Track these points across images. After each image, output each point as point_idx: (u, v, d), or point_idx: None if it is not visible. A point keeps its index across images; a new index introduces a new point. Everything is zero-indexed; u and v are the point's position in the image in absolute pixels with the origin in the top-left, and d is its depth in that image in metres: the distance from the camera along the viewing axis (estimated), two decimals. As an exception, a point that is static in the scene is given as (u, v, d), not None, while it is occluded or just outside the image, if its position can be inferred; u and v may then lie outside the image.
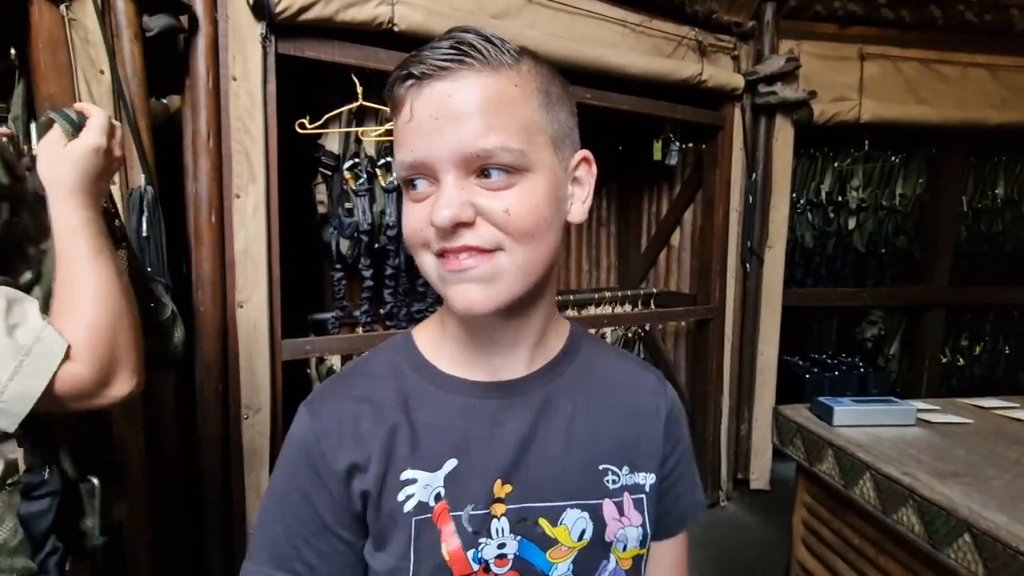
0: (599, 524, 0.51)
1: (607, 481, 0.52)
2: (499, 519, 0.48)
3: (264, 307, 1.47)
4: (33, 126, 1.24)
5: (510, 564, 0.48)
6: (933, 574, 0.88)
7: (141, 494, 1.32)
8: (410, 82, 0.44)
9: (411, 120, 0.43)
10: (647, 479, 0.54)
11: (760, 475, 2.67)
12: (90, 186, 0.73)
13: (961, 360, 3.15)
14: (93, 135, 0.74)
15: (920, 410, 1.15)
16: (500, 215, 0.43)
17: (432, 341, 0.55)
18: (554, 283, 0.53)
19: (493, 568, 0.47)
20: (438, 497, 0.48)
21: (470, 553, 0.47)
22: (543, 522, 0.49)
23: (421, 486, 0.48)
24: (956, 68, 2.50)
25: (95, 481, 0.80)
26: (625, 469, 0.53)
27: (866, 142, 2.66)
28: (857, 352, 3.30)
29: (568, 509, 0.50)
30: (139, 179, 1.28)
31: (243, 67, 1.39)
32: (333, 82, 1.75)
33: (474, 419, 0.50)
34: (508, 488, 0.49)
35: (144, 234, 1.27)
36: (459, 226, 0.43)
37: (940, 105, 2.48)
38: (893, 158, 2.77)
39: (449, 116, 0.42)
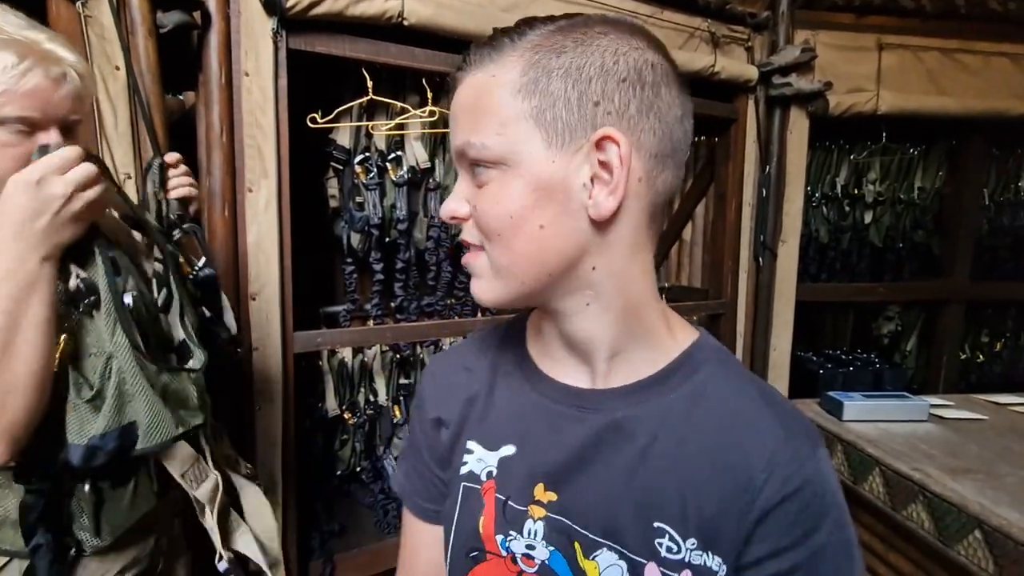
0: None
1: (659, 544, 0.43)
2: (535, 521, 0.47)
3: (276, 299, 1.49)
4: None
5: (537, 568, 0.47)
6: (943, 571, 0.87)
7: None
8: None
9: None
10: (721, 567, 0.42)
11: (772, 471, 2.64)
12: (22, 228, 0.66)
13: (981, 356, 3.09)
14: (39, 169, 0.68)
15: (933, 406, 1.13)
16: (475, 212, 0.45)
17: (536, 327, 0.54)
18: (619, 293, 0.46)
19: (520, 563, 0.47)
20: (489, 475, 0.49)
21: (499, 538, 0.48)
22: (577, 547, 0.46)
23: (476, 459, 0.50)
24: (978, 57, 2.44)
25: (86, 488, 0.80)
26: (691, 542, 0.42)
27: (883, 134, 2.61)
28: (873, 348, 3.25)
29: (605, 550, 0.44)
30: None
31: (255, 62, 1.41)
32: (343, 77, 1.76)
33: (539, 416, 0.49)
34: (551, 496, 0.47)
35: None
36: (462, 220, 0.46)
37: (961, 95, 2.42)
38: (912, 150, 2.71)
39: (453, 117, 0.46)
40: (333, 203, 1.94)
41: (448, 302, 2.05)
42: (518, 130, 0.42)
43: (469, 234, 0.46)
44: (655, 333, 0.47)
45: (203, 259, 1.02)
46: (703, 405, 0.44)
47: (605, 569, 0.44)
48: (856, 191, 2.76)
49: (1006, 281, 2.85)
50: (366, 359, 2.06)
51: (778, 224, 2.51)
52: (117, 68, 1.23)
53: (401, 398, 2.11)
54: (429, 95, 1.74)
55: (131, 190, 1.28)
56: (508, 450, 0.49)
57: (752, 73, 2.30)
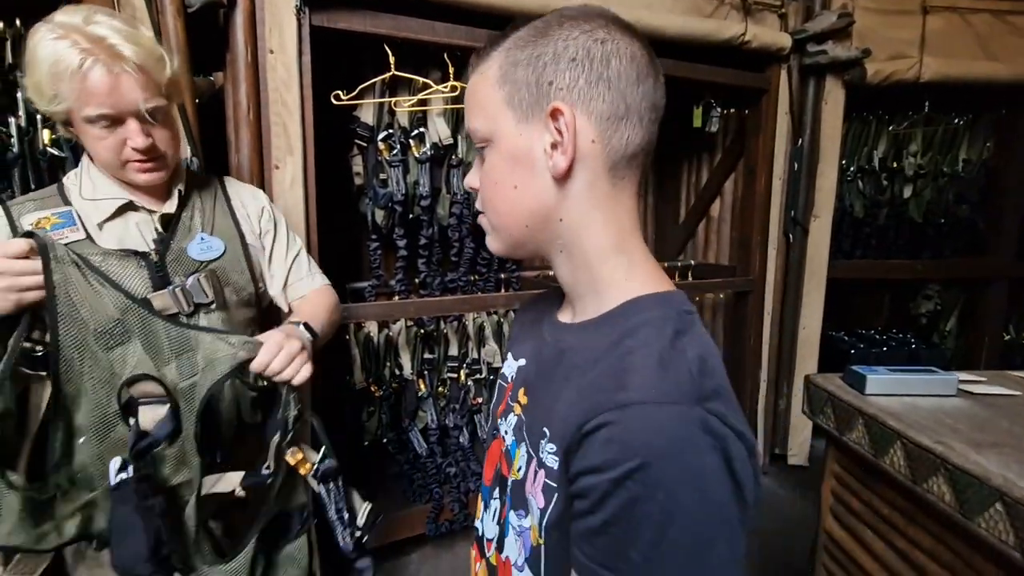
0: (526, 474, 0.54)
1: (541, 444, 0.52)
2: (514, 415, 0.61)
3: (303, 274, 1.53)
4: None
5: (504, 447, 0.61)
6: (963, 544, 0.86)
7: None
8: None
9: None
10: (555, 463, 0.49)
11: (799, 451, 2.61)
12: None
13: (1025, 338, 2.96)
14: None
15: (962, 381, 1.10)
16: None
17: None
18: (578, 242, 0.53)
19: (502, 435, 0.63)
20: (511, 378, 0.65)
21: (500, 422, 0.64)
22: (519, 438, 0.58)
23: (507, 365, 0.67)
24: (1033, 19, 2.29)
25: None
26: (551, 446, 0.50)
27: (926, 103, 2.49)
28: (910, 329, 3.14)
29: (524, 445, 0.56)
30: (186, 151, 1.34)
31: (279, 40, 1.43)
32: (365, 54, 1.77)
33: (539, 341, 0.62)
34: (525, 399, 0.59)
35: (191, 203, 1.35)
36: (476, 190, 0.58)
37: (1013, 61, 2.28)
38: (957, 120, 2.57)
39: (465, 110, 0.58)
40: (358, 180, 1.97)
41: (471, 278, 2.07)
42: (496, 113, 0.52)
43: (478, 201, 0.58)
44: (606, 282, 0.53)
45: (322, 450, 0.95)
46: (617, 348, 0.49)
47: (522, 457, 0.56)
48: (895, 164, 2.64)
49: (1056, 258, 2.70)
50: (391, 334, 2.11)
51: (810, 199, 2.43)
52: (148, 48, 1.26)
53: (425, 372, 2.16)
54: (451, 70, 1.74)
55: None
56: (521, 362, 0.64)
57: (785, 41, 2.21)
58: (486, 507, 0.65)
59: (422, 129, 1.87)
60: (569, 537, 0.47)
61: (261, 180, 1.47)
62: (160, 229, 0.97)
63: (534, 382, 0.59)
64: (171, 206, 0.99)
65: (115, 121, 0.86)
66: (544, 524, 0.51)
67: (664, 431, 0.41)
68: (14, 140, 1.23)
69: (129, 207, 0.96)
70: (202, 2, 1.33)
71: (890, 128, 2.59)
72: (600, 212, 0.52)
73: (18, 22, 1.23)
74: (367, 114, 1.82)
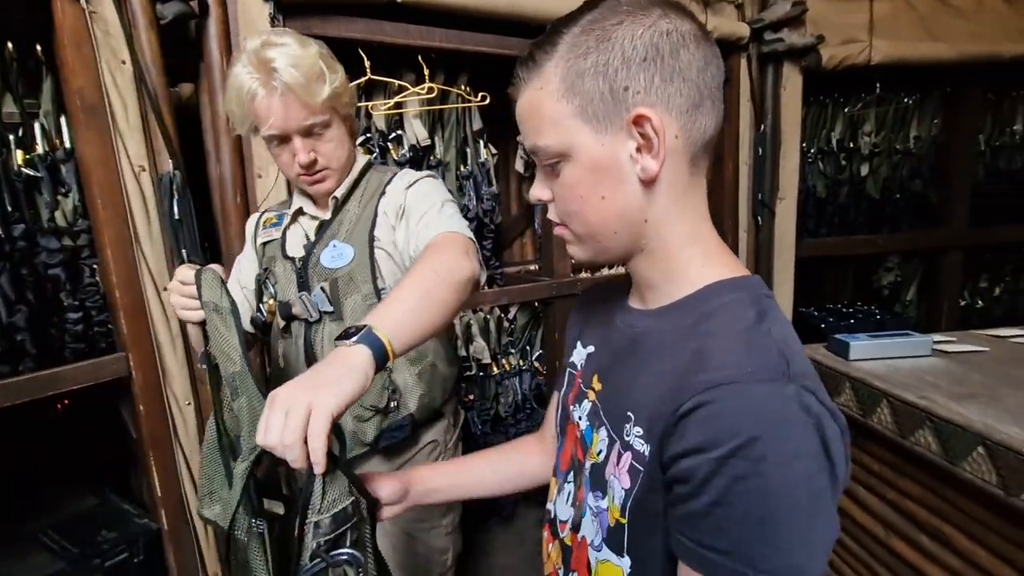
0: (607, 457, 0.55)
1: (626, 428, 0.53)
2: (588, 401, 0.62)
3: (293, 282, 1.53)
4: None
5: (579, 434, 0.63)
6: (950, 488, 0.93)
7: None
8: None
9: None
10: (644, 447, 0.49)
11: (780, 424, 2.72)
12: None
13: (980, 302, 3.13)
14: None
15: (936, 341, 1.18)
16: (555, 196, 0.57)
17: None
18: (659, 237, 0.54)
19: (576, 421, 0.64)
20: (581, 364, 0.67)
21: (572, 408, 0.66)
22: (596, 423, 0.60)
23: (576, 352, 0.69)
24: (971, 1, 2.44)
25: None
26: (638, 429, 0.51)
27: (877, 85, 2.62)
28: (874, 300, 3.29)
29: (604, 428, 0.57)
30: (167, 165, 1.32)
31: (254, 48, 1.42)
32: (341, 58, 1.77)
33: (610, 328, 0.63)
34: (599, 385, 0.61)
35: (176, 217, 1.33)
36: (546, 202, 0.58)
37: (955, 41, 2.43)
38: (906, 100, 2.72)
39: (520, 124, 0.58)
40: (338, 186, 1.96)
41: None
42: (569, 127, 0.51)
43: (552, 213, 0.58)
44: (682, 270, 0.55)
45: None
46: (696, 330, 0.50)
47: (601, 441, 0.57)
48: (852, 144, 2.77)
49: (1004, 226, 2.88)
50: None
51: (775, 182, 2.53)
52: (123, 62, 1.24)
53: (417, 374, 2.16)
54: (426, 72, 1.75)
55: (146, 182, 1.31)
56: (590, 349, 0.65)
57: (744, 31, 2.30)
58: (560, 490, 0.65)
59: (399, 132, 1.88)
60: (651, 517, 0.48)
61: (244, 189, 1.46)
62: (311, 236, 1.09)
63: (608, 368, 0.59)
64: (327, 213, 1.09)
65: (283, 139, 0.97)
66: (629, 504, 0.51)
67: (764, 408, 0.41)
68: (-14, 162, 1.19)
69: (300, 213, 1.12)
70: (174, 13, 1.31)
71: (845, 110, 2.72)
72: (680, 205, 0.53)
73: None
74: (344, 119, 1.82)
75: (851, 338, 1.14)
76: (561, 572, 0.63)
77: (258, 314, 1.15)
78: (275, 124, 0.93)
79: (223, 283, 0.82)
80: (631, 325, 0.59)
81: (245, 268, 1.21)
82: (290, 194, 1.17)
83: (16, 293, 1.24)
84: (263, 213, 1.20)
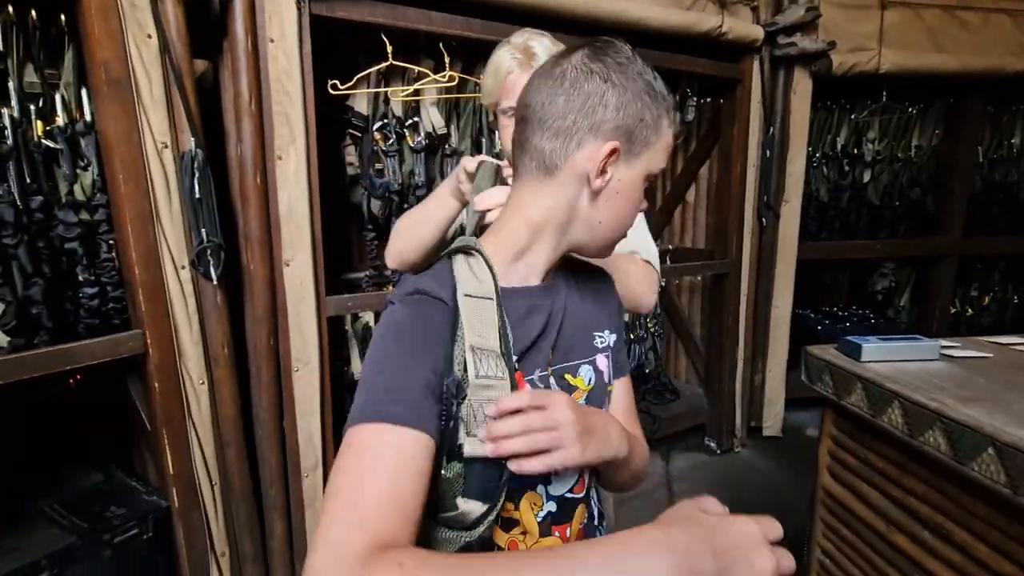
0: (598, 372, 0.69)
1: (597, 343, 0.69)
2: (547, 374, 0.65)
3: (309, 266, 1.53)
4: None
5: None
6: (955, 487, 0.96)
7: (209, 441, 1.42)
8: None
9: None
10: (611, 337, 0.71)
11: (773, 423, 2.78)
12: None
13: (970, 310, 3.22)
14: None
15: (943, 346, 1.21)
16: None
17: None
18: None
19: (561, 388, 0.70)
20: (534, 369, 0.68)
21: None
22: (567, 376, 0.66)
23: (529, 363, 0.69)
24: (978, 15, 2.48)
25: None
26: (605, 332, 0.71)
27: (884, 93, 2.66)
28: (867, 305, 3.37)
29: (582, 366, 0.67)
30: (188, 142, 1.32)
31: (279, 28, 1.41)
32: (358, 43, 1.76)
33: (541, 313, 0.66)
34: (552, 355, 0.65)
35: (197, 196, 1.33)
36: None
37: (960, 53, 2.47)
38: (910, 109, 2.76)
39: None
40: (351, 170, 1.96)
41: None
42: None
43: None
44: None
45: None
46: (576, 269, 0.71)
47: (585, 375, 0.67)
48: (855, 150, 2.82)
49: (998, 236, 2.95)
50: (388, 324, 2.11)
51: (781, 185, 2.57)
52: (149, 36, 1.23)
53: (422, 361, 2.17)
54: (447, 59, 1.75)
55: (168, 159, 1.30)
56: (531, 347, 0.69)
57: (758, 33, 2.32)
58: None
59: (416, 119, 1.88)
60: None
61: (264, 171, 1.45)
62: None
63: (559, 332, 0.66)
64: None
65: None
66: (610, 370, 0.71)
67: None
68: (8, 132, 1.18)
69: None
70: (200, -11, 1.30)
71: (851, 116, 2.76)
72: None
73: (11, 8, 1.17)
74: (361, 104, 1.82)
75: (863, 340, 1.18)
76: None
77: None
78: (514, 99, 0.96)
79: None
80: (553, 292, 0.66)
81: None
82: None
83: (33, 266, 1.23)
84: None
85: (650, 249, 1.06)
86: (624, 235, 0.66)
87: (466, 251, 0.61)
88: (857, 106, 2.75)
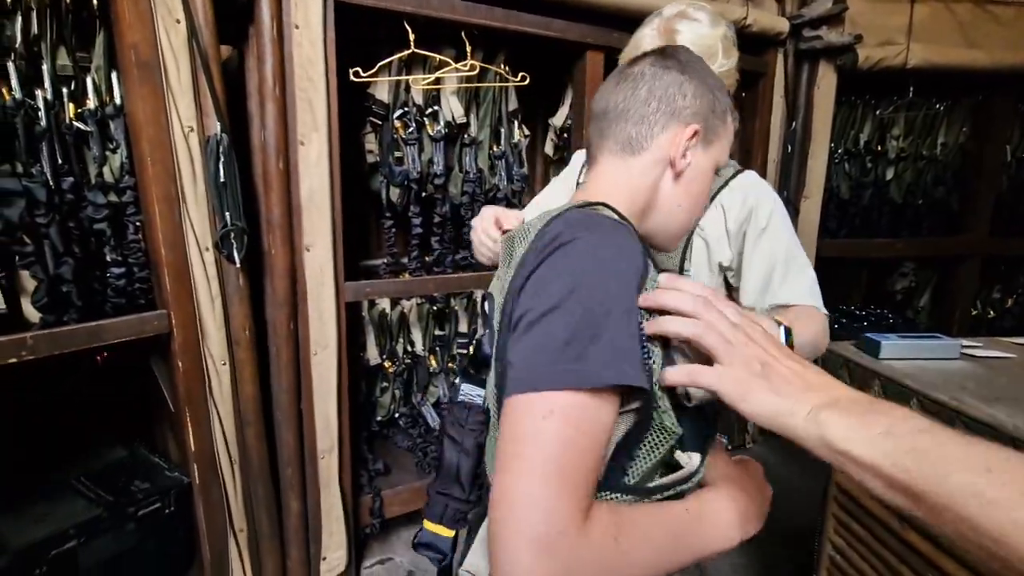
0: None
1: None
2: None
3: (329, 251, 1.55)
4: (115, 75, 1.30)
5: None
6: (973, 487, 0.96)
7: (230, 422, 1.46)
8: None
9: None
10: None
11: (786, 420, 2.76)
12: None
13: (992, 312, 3.15)
14: None
15: (964, 346, 1.20)
16: None
17: None
18: None
19: None
20: None
21: None
22: None
23: None
24: (1011, 9, 2.41)
25: None
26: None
27: (911, 89, 2.60)
28: (886, 304, 3.32)
29: None
30: (215, 126, 1.34)
31: (304, 15, 1.42)
32: (382, 31, 1.76)
33: None
34: None
35: (221, 179, 1.35)
36: None
37: (992, 48, 2.41)
38: (938, 105, 2.70)
39: None
40: (371, 158, 1.97)
41: (482, 256, 2.11)
42: None
43: None
44: None
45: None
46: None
47: None
48: (879, 147, 2.77)
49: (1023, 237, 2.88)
50: (404, 310, 2.14)
51: (802, 180, 2.54)
52: (178, 21, 1.25)
53: (436, 349, 2.20)
54: (468, 48, 1.75)
55: (194, 143, 1.32)
56: None
57: (783, 26, 2.28)
58: None
59: (436, 107, 1.88)
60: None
61: (286, 157, 1.47)
62: None
63: None
64: None
65: None
66: None
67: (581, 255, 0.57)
68: (41, 114, 1.21)
69: None
70: (228, -26, 1.32)
71: (876, 112, 2.71)
72: None
73: (46, -9, 1.19)
74: (382, 91, 1.82)
75: (882, 337, 1.17)
76: None
77: None
78: None
79: None
80: None
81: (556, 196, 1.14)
82: None
83: (64, 245, 1.27)
84: None
85: (814, 290, 1.01)
86: (692, 226, 0.68)
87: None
88: (882, 102, 2.70)
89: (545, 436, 0.42)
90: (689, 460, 0.53)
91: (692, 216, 0.66)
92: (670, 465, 0.54)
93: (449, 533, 0.67)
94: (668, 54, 0.64)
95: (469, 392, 0.66)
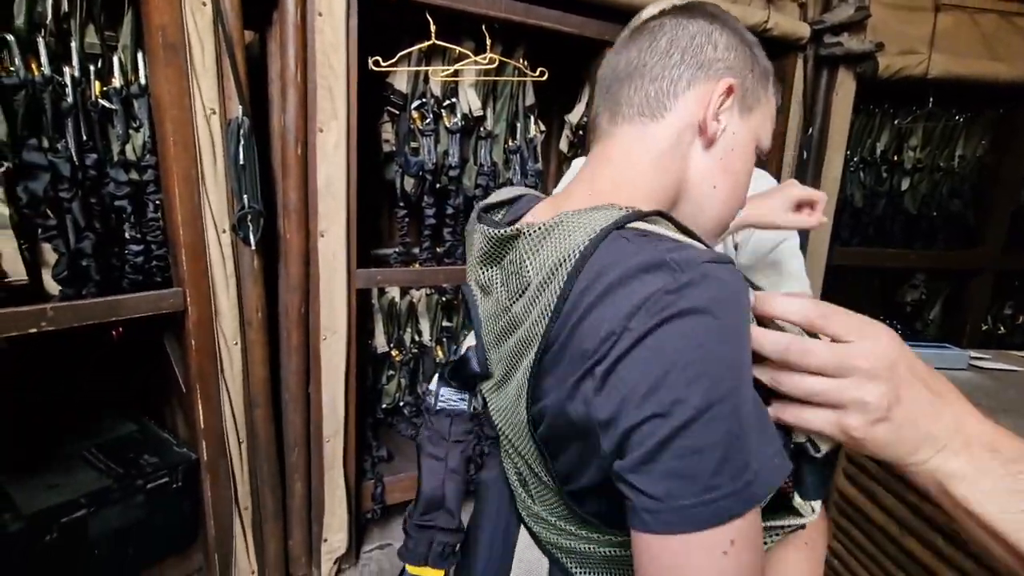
0: None
1: None
2: None
3: (342, 238, 1.57)
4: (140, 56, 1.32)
5: None
6: (975, 496, 0.96)
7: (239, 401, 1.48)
8: None
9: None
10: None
11: (789, 427, 2.76)
12: None
13: (1002, 329, 3.13)
14: None
15: (972, 357, 1.20)
16: None
17: None
18: None
19: None
20: None
21: None
22: None
23: None
24: (1036, 22, 2.39)
25: None
26: None
27: (930, 99, 2.58)
28: (895, 316, 3.30)
29: None
30: (236, 110, 1.36)
31: (328, 2, 1.43)
32: (402, 21, 1.78)
33: None
34: None
35: (241, 162, 1.37)
36: None
37: (1015, 61, 2.39)
38: (957, 117, 2.68)
39: None
40: (387, 147, 1.99)
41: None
42: None
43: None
44: None
45: None
46: None
47: None
48: (895, 157, 2.75)
49: (1038, 252, 2.85)
50: (413, 300, 2.15)
51: (816, 187, 2.52)
52: (204, 3, 1.27)
53: (444, 340, 2.21)
54: (488, 42, 1.76)
55: (215, 125, 1.34)
56: None
57: (804, 31, 2.27)
58: None
59: (453, 99, 1.89)
60: None
61: (305, 143, 1.49)
62: None
63: None
64: None
65: None
66: None
67: None
68: (68, 91, 1.23)
69: None
70: (255, -40, 1.33)
71: (894, 122, 2.69)
72: None
73: (77, -31, 1.21)
74: (401, 82, 1.84)
75: (889, 345, 1.17)
76: None
77: None
78: None
79: None
80: None
81: None
82: None
83: (85, 220, 1.29)
84: None
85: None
86: (735, 214, 0.53)
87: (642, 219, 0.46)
88: (901, 111, 2.68)
89: (732, 573, 0.35)
90: (809, 511, 0.46)
91: (731, 205, 0.52)
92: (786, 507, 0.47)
93: (438, 575, 0.58)
94: (693, 5, 0.52)
95: (450, 398, 0.58)
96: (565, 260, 0.43)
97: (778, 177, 2.47)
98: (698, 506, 0.34)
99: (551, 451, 0.46)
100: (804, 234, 2.53)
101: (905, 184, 2.78)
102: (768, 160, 2.46)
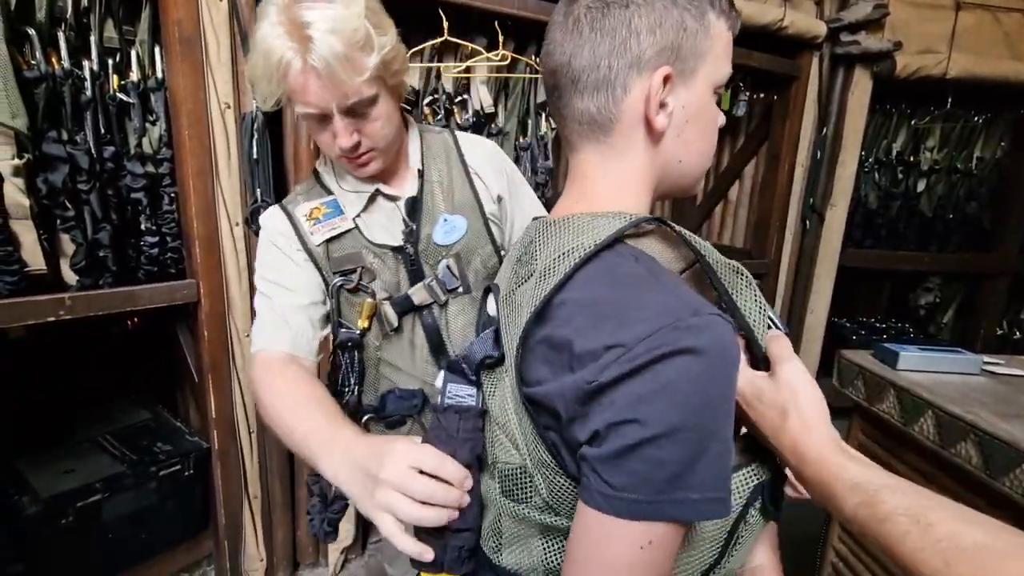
0: None
1: None
2: None
3: (353, 232, 1.58)
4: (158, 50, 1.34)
5: None
6: (982, 500, 0.95)
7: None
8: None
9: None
10: None
11: (798, 428, 2.74)
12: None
13: (1018, 333, 3.08)
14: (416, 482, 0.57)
15: (985, 362, 1.19)
16: None
17: None
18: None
19: None
20: None
21: None
22: None
23: None
24: (1060, 22, 2.34)
25: None
26: None
27: (949, 100, 2.54)
28: (908, 319, 3.26)
29: None
30: (250, 104, 1.37)
31: None
32: (414, 17, 1.78)
33: None
34: None
35: (254, 156, 1.38)
36: None
37: (1037, 62, 2.34)
38: (976, 118, 2.64)
39: None
40: (398, 143, 1.99)
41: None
42: None
43: None
44: None
45: None
46: None
47: None
48: (911, 158, 2.71)
49: (1056, 257, 2.81)
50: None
51: (829, 188, 2.50)
52: (220, -1, 1.28)
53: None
54: (500, 38, 1.76)
55: (230, 119, 1.36)
56: None
57: (820, 29, 2.24)
58: None
59: (465, 96, 1.90)
60: None
61: (317, 137, 1.50)
62: (407, 218, 0.90)
63: None
64: (413, 189, 0.92)
65: (322, 118, 0.79)
66: None
67: None
68: (87, 84, 1.25)
69: (377, 194, 0.91)
70: (271, -45, 1.34)
71: (911, 122, 2.65)
72: None
73: (96, -37, 1.23)
74: (413, 78, 1.84)
75: (900, 347, 1.16)
76: None
77: (347, 330, 0.91)
78: (311, 103, 0.76)
79: None
80: None
81: (299, 284, 0.88)
82: (317, 175, 0.94)
83: (102, 211, 1.31)
84: (298, 206, 0.90)
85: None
86: (711, 156, 0.56)
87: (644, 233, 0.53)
88: (918, 111, 2.64)
89: (640, 567, 0.42)
90: (757, 520, 0.54)
91: (703, 158, 0.55)
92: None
93: None
94: None
95: (457, 393, 0.56)
96: (570, 252, 0.49)
97: (791, 177, 2.45)
98: (642, 503, 0.41)
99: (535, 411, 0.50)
100: (815, 235, 2.52)
101: (921, 186, 2.74)
102: (782, 160, 2.44)
